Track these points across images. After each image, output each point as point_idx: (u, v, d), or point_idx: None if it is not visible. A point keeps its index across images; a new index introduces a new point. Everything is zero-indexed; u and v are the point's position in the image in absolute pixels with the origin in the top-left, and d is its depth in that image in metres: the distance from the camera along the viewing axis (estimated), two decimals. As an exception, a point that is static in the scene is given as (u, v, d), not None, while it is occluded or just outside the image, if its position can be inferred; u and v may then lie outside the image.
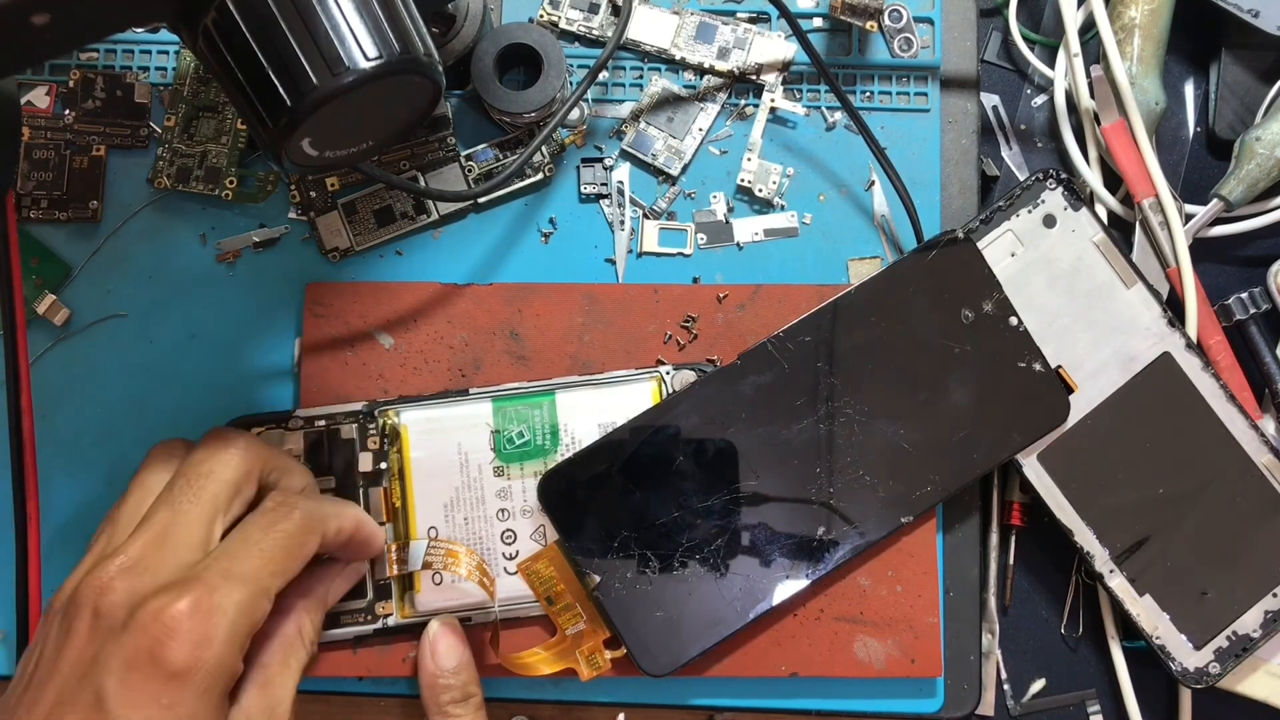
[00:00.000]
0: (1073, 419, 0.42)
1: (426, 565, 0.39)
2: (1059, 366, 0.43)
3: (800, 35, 0.43)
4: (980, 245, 0.43)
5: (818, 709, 0.43)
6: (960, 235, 0.42)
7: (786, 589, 0.40)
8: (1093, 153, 0.47)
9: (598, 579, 0.40)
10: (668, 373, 0.42)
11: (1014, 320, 0.42)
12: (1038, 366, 0.41)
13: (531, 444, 0.41)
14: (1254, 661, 0.43)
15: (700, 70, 0.45)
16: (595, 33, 0.45)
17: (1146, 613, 0.42)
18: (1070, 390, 0.42)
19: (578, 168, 0.45)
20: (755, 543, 0.40)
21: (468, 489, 0.41)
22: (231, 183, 0.44)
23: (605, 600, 0.40)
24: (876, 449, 0.41)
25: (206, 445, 0.35)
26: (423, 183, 0.44)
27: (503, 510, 0.41)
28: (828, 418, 0.41)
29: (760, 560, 0.40)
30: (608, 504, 0.40)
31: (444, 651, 0.39)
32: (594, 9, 0.45)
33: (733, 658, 0.41)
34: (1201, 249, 0.47)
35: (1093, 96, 0.46)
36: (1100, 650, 0.46)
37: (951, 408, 0.41)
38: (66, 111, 0.44)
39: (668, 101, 0.45)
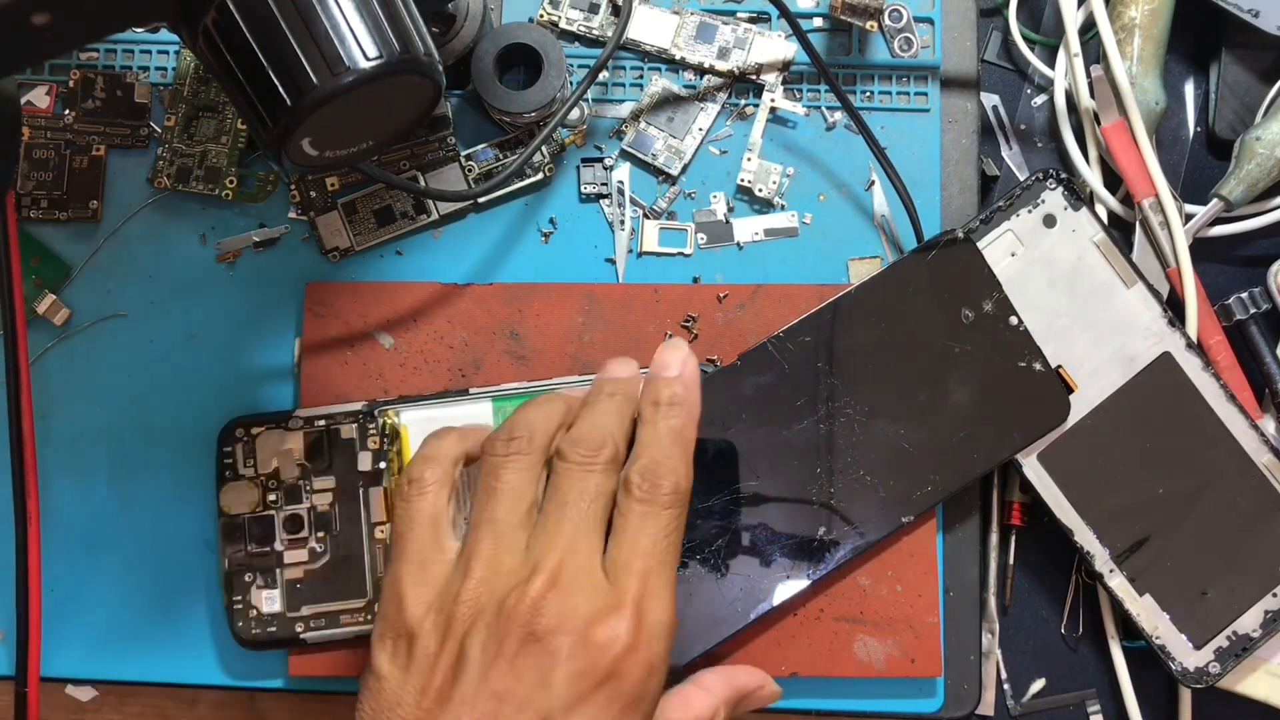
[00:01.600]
0: (1073, 419, 0.42)
1: None
2: (1059, 366, 0.43)
3: (800, 35, 0.43)
4: (980, 245, 0.43)
5: (818, 709, 0.43)
6: (960, 235, 0.42)
7: (787, 589, 0.40)
8: (1093, 153, 0.47)
9: None
10: (668, 373, 0.42)
11: (1014, 320, 0.42)
12: (1038, 366, 0.41)
13: (531, 444, 0.41)
14: (1254, 661, 0.43)
15: (700, 70, 0.45)
16: (595, 33, 0.45)
17: (1146, 613, 0.42)
18: (1070, 390, 0.42)
19: (578, 168, 0.45)
20: (756, 543, 0.40)
21: (468, 489, 0.41)
22: (231, 182, 0.44)
23: None
24: (877, 449, 0.41)
25: (584, 423, 0.35)
26: (423, 183, 0.44)
27: (503, 510, 0.41)
28: (828, 418, 0.41)
29: (761, 561, 0.40)
30: None
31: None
32: (594, 9, 0.45)
33: (733, 658, 0.41)
34: (1201, 249, 0.47)
35: (1093, 96, 0.46)
36: (1100, 650, 0.46)
37: (952, 407, 0.41)
38: (66, 111, 0.44)
39: (668, 101, 0.45)
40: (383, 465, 0.41)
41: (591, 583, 0.32)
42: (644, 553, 0.32)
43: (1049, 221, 0.43)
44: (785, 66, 0.45)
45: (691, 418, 0.36)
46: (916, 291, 0.42)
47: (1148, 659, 0.45)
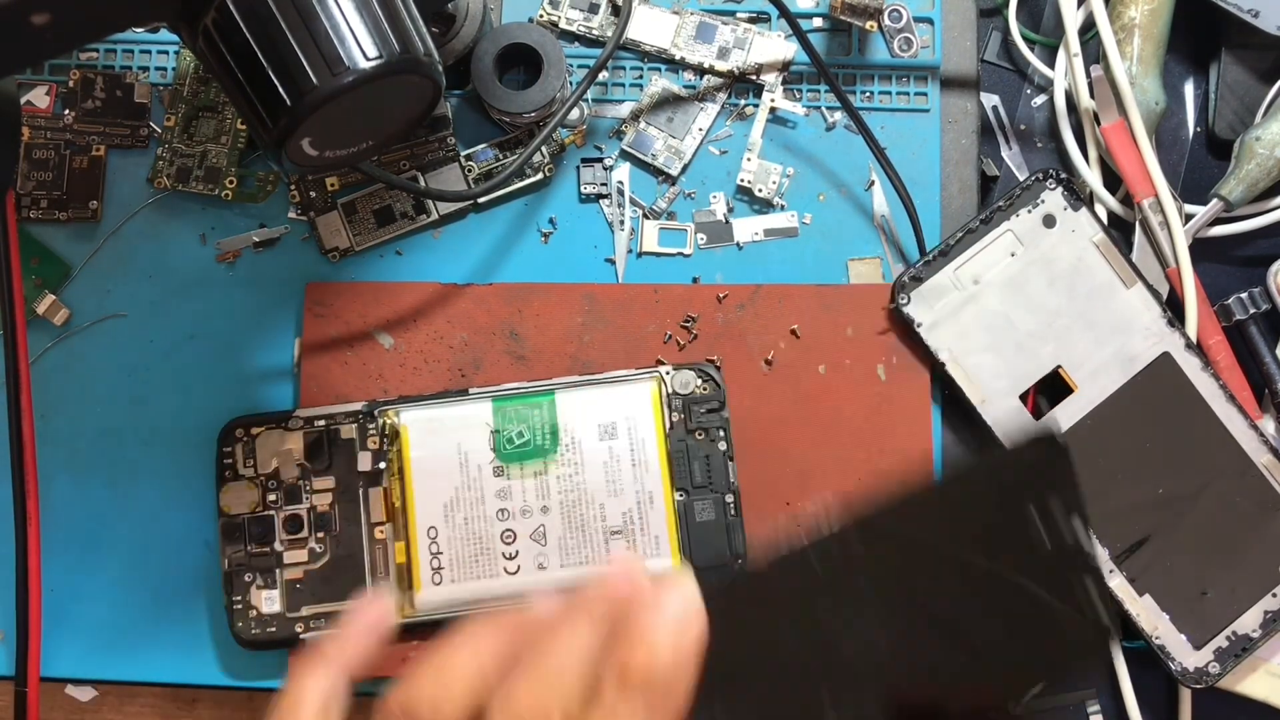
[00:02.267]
0: (1073, 418, 0.42)
1: None
2: (1058, 366, 0.43)
3: (800, 35, 0.43)
4: (980, 244, 0.43)
5: (818, 709, 0.42)
6: (1059, 442, 0.32)
7: None
8: (1092, 153, 0.47)
9: None
10: (667, 373, 0.42)
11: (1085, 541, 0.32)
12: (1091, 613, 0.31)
13: (531, 444, 0.41)
14: (1254, 661, 0.43)
15: (700, 70, 0.45)
16: (595, 33, 0.45)
17: (1146, 613, 0.42)
18: (1070, 390, 0.42)
19: (578, 168, 0.45)
20: None
21: (467, 489, 0.41)
22: (231, 182, 0.44)
23: None
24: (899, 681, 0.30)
25: (530, 683, 0.24)
26: (423, 183, 0.44)
27: (502, 510, 0.41)
28: (852, 637, 0.31)
29: None
30: None
31: None
32: (594, 9, 0.45)
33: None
34: (1201, 249, 0.47)
35: (1093, 96, 0.46)
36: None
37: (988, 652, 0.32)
38: (66, 111, 0.44)
39: (668, 101, 0.45)
40: (382, 465, 0.41)
41: None
42: None
43: (1049, 222, 0.43)
44: (785, 66, 0.45)
45: (675, 716, 0.24)
46: (986, 508, 0.32)
47: (1148, 659, 0.44)
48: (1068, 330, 0.43)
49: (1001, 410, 0.43)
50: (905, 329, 0.43)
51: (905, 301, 0.43)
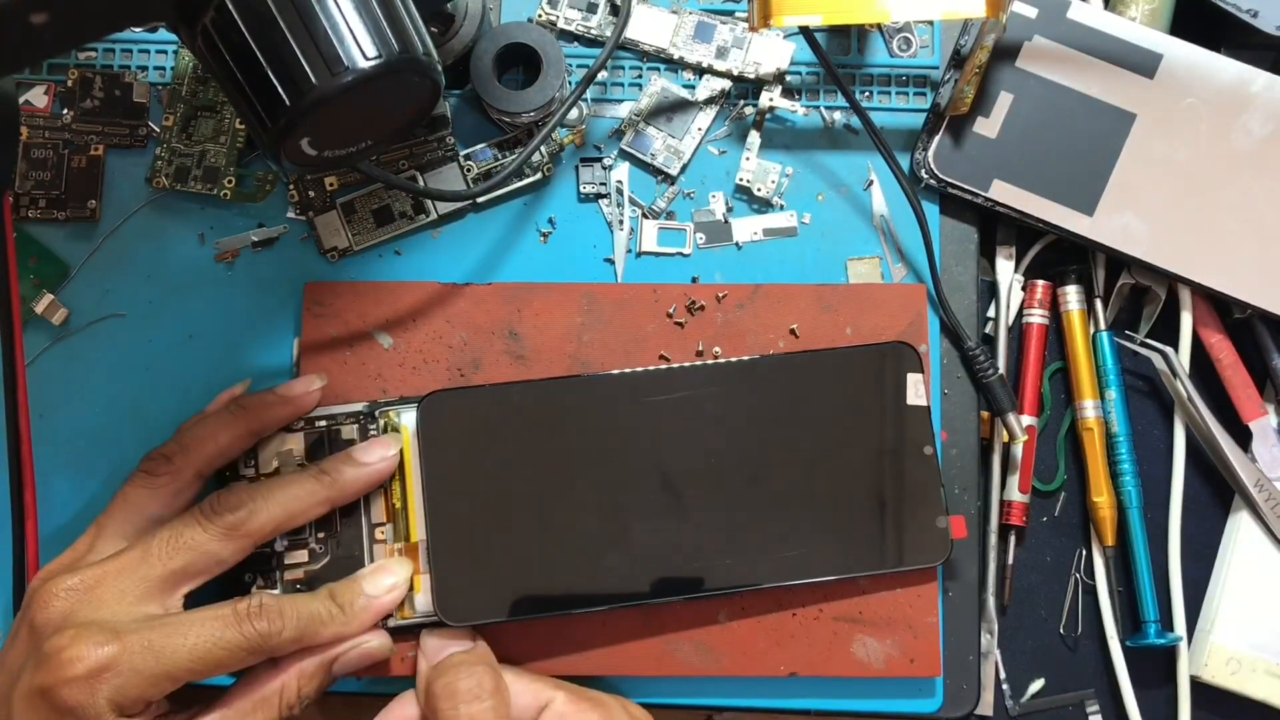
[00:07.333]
0: None
1: None
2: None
3: (807, 35, 0.42)
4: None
5: (817, 709, 0.43)
6: (910, 348, 0.42)
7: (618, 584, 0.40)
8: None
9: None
10: (667, 372, 0.42)
11: (928, 450, 0.41)
12: (933, 501, 0.41)
13: (531, 444, 0.41)
14: (1254, 661, 0.43)
15: (699, 70, 0.45)
16: (594, 32, 0.45)
17: None
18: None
19: (576, 167, 0.45)
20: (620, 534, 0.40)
21: None
22: (230, 182, 0.44)
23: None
24: (755, 507, 0.41)
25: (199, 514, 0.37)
26: (421, 182, 0.44)
27: (502, 510, 0.41)
28: (723, 455, 0.41)
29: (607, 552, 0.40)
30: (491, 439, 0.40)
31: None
32: (592, 8, 0.45)
33: (732, 658, 0.41)
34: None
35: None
36: (1100, 650, 0.46)
37: (837, 505, 0.41)
38: (65, 111, 0.44)
39: (667, 101, 0.45)
40: (382, 465, 0.41)
41: (110, 607, 0.36)
42: (178, 629, 0.35)
43: None
44: (783, 67, 0.45)
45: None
46: (848, 385, 0.42)
47: (1148, 659, 0.45)
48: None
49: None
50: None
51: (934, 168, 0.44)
